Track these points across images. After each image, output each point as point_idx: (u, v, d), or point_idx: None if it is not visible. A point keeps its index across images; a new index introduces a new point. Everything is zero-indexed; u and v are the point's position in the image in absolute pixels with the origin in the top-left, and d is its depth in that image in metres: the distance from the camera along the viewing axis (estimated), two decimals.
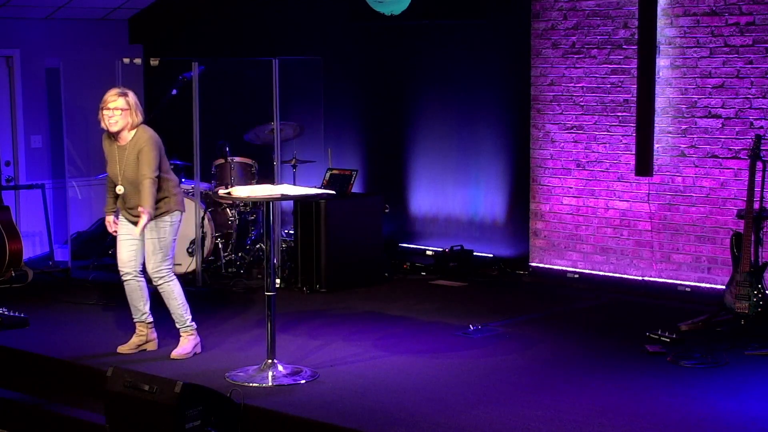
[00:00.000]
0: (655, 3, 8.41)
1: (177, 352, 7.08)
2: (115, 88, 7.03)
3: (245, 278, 9.40)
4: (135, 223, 6.96)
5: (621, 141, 8.82)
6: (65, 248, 10.12)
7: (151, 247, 7.02)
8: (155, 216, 6.95)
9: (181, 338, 7.17)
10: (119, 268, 7.15)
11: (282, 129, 9.46)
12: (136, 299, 7.18)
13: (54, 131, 10.64)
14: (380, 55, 10.28)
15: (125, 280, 7.14)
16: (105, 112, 6.95)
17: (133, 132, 6.99)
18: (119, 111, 6.92)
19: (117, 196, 7.11)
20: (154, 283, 7.08)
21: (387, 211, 9.53)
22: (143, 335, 7.24)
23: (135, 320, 7.25)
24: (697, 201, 8.48)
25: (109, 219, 7.20)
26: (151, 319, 7.25)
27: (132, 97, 7.00)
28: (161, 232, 7.01)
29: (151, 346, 7.27)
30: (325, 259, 8.96)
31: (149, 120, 10.45)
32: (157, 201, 6.95)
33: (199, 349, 7.17)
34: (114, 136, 7.02)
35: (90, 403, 6.54)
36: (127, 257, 7.09)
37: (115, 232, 7.16)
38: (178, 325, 7.16)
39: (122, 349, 7.19)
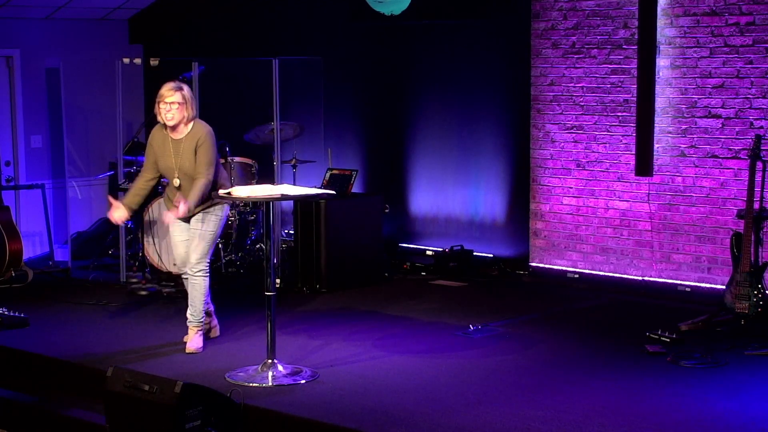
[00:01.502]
0: (655, 3, 8.41)
1: (193, 346, 7.16)
2: (171, 83, 7.10)
3: (245, 278, 9.41)
4: (184, 219, 7.09)
5: (621, 141, 8.82)
6: (65, 248, 10.12)
7: (197, 239, 7.11)
8: (205, 208, 7.07)
9: (191, 332, 7.22)
10: (179, 269, 7.29)
11: (282, 129, 9.46)
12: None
13: (54, 131, 10.64)
14: (380, 55, 10.28)
15: (185, 279, 7.26)
16: (162, 106, 7.03)
17: (189, 125, 7.10)
18: (176, 105, 7.00)
19: (146, 192, 7.23)
20: (190, 273, 7.15)
21: (387, 211, 9.53)
22: (206, 323, 7.36)
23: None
24: (697, 201, 8.48)
25: (117, 215, 7.14)
26: (212, 308, 7.39)
27: (187, 91, 7.08)
28: (209, 224, 7.12)
29: (214, 333, 7.46)
30: (325, 259, 8.96)
31: (149, 120, 10.50)
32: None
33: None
34: (168, 129, 7.09)
35: (90, 403, 6.54)
36: (185, 258, 7.20)
37: (117, 223, 7.29)
38: (191, 318, 7.22)
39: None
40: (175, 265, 9.39)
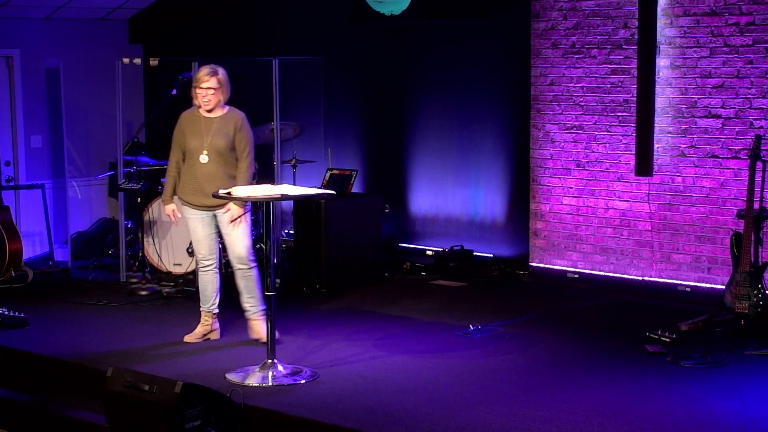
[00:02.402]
0: (655, 3, 8.41)
1: (261, 334, 7.15)
2: (207, 67, 7.14)
3: None
4: (213, 207, 7.09)
5: (621, 141, 8.82)
6: (65, 248, 10.12)
7: (241, 233, 7.13)
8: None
9: (256, 323, 7.27)
10: (201, 260, 7.28)
11: (282, 129, 9.46)
12: (211, 290, 7.33)
13: (54, 131, 10.64)
14: (380, 55, 10.28)
15: (206, 271, 7.29)
16: (198, 91, 7.11)
17: (225, 109, 7.21)
18: (212, 90, 7.08)
19: (177, 181, 7.23)
20: (243, 268, 7.15)
21: (387, 211, 9.53)
22: (208, 325, 7.38)
23: (203, 310, 7.38)
24: (697, 201, 8.48)
25: (170, 208, 7.29)
26: (217, 310, 7.40)
27: (222, 75, 7.14)
28: (246, 216, 7.16)
29: (215, 336, 7.44)
30: (325, 259, 8.96)
31: (149, 120, 10.51)
32: (229, 185, 7.02)
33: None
34: (202, 110, 7.17)
35: (90, 403, 6.54)
36: (209, 249, 7.23)
37: (176, 221, 7.34)
38: (252, 310, 7.25)
39: (189, 338, 7.34)
40: (177, 265, 9.42)
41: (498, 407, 6.00)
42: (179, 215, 7.36)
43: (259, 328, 7.25)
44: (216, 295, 7.36)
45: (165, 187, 7.43)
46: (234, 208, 7.10)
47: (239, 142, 7.15)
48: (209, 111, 7.16)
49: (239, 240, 7.14)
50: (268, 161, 9.51)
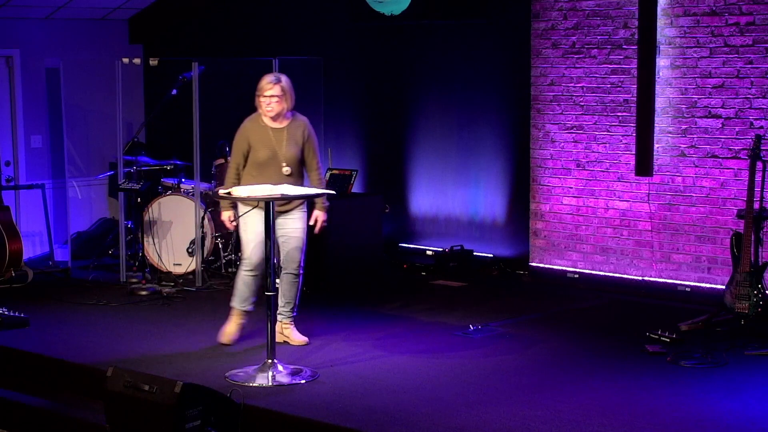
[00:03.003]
0: (655, 3, 8.42)
1: (302, 338, 7.24)
2: (270, 75, 7.07)
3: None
4: (286, 212, 7.05)
5: (621, 141, 8.82)
6: (65, 248, 10.12)
7: (298, 237, 7.12)
8: (301, 205, 7.11)
9: (290, 329, 7.26)
10: (249, 267, 7.15)
11: None
12: (252, 292, 7.24)
13: (54, 131, 10.64)
14: (380, 55, 10.28)
15: (253, 276, 7.18)
16: (262, 99, 7.03)
17: (290, 116, 7.11)
18: (275, 98, 6.99)
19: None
20: (293, 273, 7.15)
21: (387, 211, 9.53)
22: (241, 322, 7.31)
23: (240, 308, 7.27)
24: (697, 201, 8.48)
25: (228, 215, 7.16)
26: (252, 309, 7.34)
27: (285, 82, 7.05)
28: (305, 222, 7.16)
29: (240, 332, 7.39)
30: (325, 259, 8.95)
31: (149, 120, 10.51)
32: None
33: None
34: (267, 119, 7.08)
35: (90, 403, 6.54)
36: (260, 256, 7.08)
37: (231, 227, 7.26)
38: (286, 315, 7.22)
39: (228, 338, 7.27)
40: (177, 265, 9.41)
41: (498, 407, 6.00)
42: (232, 225, 7.22)
43: (287, 331, 7.26)
44: (254, 296, 7.27)
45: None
46: (321, 213, 7.14)
47: (309, 151, 7.10)
48: (273, 119, 7.05)
49: (298, 246, 7.11)
50: None
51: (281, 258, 7.23)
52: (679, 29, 8.43)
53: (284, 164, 7.02)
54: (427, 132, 10.03)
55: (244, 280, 7.21)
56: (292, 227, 7.12)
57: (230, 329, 7.31)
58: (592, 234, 9.04)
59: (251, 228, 7.09)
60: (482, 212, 9.79)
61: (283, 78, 7.06)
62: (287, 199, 6.91)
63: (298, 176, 7.13)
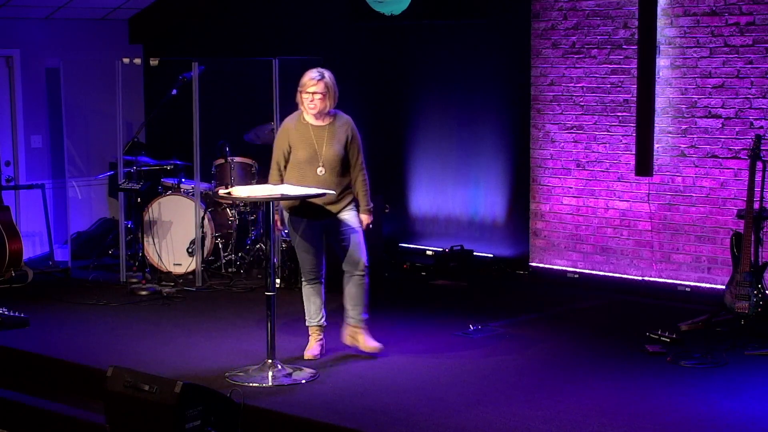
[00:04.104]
0: (655, 3, 8.41)
1: (375, 344, 6.97)
2: (313, 71, 6.77)
3: (245, 278, 9.42)
4: (336, 214, 6.82)
5: (621, 141, 8.82)
6: (65, 248, 10.12)
7: (361, 239, 6.86)
8: (349, 204, 6.89)
9: (355, 331, 6.99)
10: (309, 273, 6.93)
11: None
12: (320, 303, 7.01)
13: (54, 131, 10.64)
14: (380, 55, 10.28)
15: (313, 285, 6.97)
16: (304, 96, 6.76)
17: (333, 113, 6.87)
18: (319, 95, 6.72)
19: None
20: (359, 275, 6.88)
21: (387, 211, 9.53)
22: (321, 338, 7.05)
23: (313, 324, 7.02)
24: (697, 201, 8.48)
25: (278, 220, 6.96)
26: (326, 323, 7.08)
27: (329, 79, 6.78)
28: (359, 221, 6.92)
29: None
30: (325, 259, 8.93)
31: (149, 120, 10.51)
32: (347, 190, 6.88)
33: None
34: (308, 117, 6.83)
35: (90, 403, 6.54)
36: (318, 262, 6.92)
37: (282, 231, 7.02)
38: (357, 318, 6.96)
39: (313, 355, 6.97)
40: (177, 265, 9.41)
41: (498, 407, 6.00)
42: (282, 228, 7.05)
43: (359, 337, 6.96)
44: (324, 307, 7.04)
45: None
46: (366, 217, 6.93)
47: (353, 151, 6.86)
48: (316, 117, 6.82)
49: (359, 246, 6.85)
50: (268, 161, 9.48)
51: (343, 262, 6.94)
52: (679, 29, 8.43)
53: (320, 165, 6.77)
54: (427, 132, 10.03)
55: (306, 292, 7.00)
56: (347, 229, 6.87)
57: (311, 346, 7.01)
58: (592, 234, 9.04)
59: (301, 240, 6.90)
60: (482, 212, 9.79)
61: (327, 74, 6.78)
62: (286, 200, 6.85)
63: (341, 176, 6.84)
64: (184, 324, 7.92)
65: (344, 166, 6.87)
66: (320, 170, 6.78)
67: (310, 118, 6.83)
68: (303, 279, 7.03)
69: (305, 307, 7.05)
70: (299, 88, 6.80)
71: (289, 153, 6.86)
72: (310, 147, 6.79)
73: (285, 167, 6.90)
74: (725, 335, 7.34)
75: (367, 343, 6.98)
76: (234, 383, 6.41)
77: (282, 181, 6.87)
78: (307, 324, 7.07)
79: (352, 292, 6.93)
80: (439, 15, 9.49)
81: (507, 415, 5.86)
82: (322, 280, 7.04)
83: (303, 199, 6.76)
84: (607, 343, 7.33)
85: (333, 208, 6.85)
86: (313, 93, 6.73)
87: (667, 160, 8.59)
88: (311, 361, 6.90)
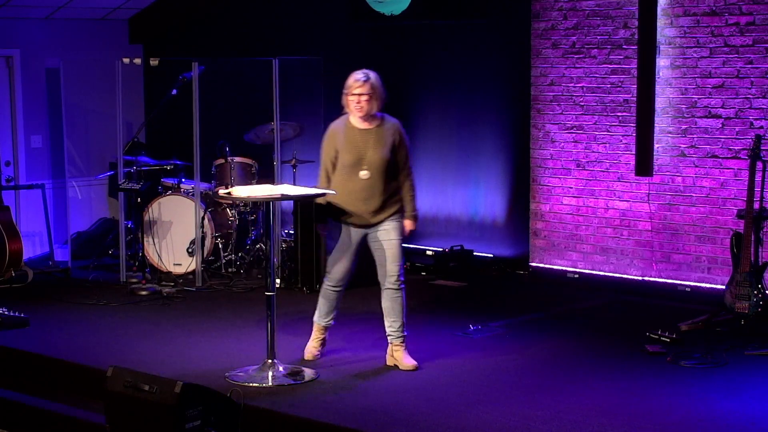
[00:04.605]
0: (655, 3, 8.41)
1: (412, 362, 6.78)
2: (359, 72, 6.62)
3: (245, 278, 9.42)
4: (369, 225, 6.70)
5: (621, 141, 8.82)
6: (65, 248, 10.12)
7: (394, 250, 6.70)
8: (395, 214, 6.75)
9: (401, 352, 6.80)
10: (331, 282, 6.84)
11: (282, 129, 9.46)
12: (334, 307, 6.94)
13: (54, 131, 10.64)
14: (380, 55, 10.27)
15: (335, 291, 6.87)
16: (350, 98, 6.61)
17: (379, 116, 6.72)
18: (365, 96, 6.57)
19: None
20: (392, 288, 6.71)
21: None
22: (324, 336, 7.02)
23: (320, 323, 6.97)
24: (697, 201, 8.48)
25: (322, 225, 6.88)
26: (333, 323, 7.04)
27: (375, 80, 6.63)
28: (400, 231, 6.76)
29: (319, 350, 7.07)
30: (325, 259, 8.93)
31: (149, 120, 10.51)
32: (394, 197, 6.76)
33: None
34: (354, 119, 6.68)
35: (90, 403, 6.54)
36: (347, 270, 6.80)
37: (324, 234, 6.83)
38: (395, 334, 6.79)
39: (310, 354, 6.95)
40: (177, 265, 9.41)
41: (498, 407, 6.00)
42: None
43: (397, 354, 6.79)
44: (336, 311, 6.96)
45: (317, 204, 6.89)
46: (410, 222, 6.81)
47: (401, 155, 6.70)
48: (362, 120, 6.67)
49: (395, 258, 6.70)
50: (268, 161, 9.51)
51: (378, 273, 6.79)
52: (679, 29, 8.43)
53: (365, 167, 6.61)
54: (427, 132, 10.03)
55: (327, 294, 6.90)
56: (386, 238, 6.72)
57: (312, 345, 6.99)
58: (592, 234, 9.04)
59: (339, 242, 6.81)
60: (482, 212, 9.79)
61: (372, 75, 6.63)
62: (286, 200, 6.82)
63: (388, 181, 6.69)
64: (184, 324, 7.92)
65: (391, 171, 6.71)
66: (364, 173, 6.63)
67: (356, 122, 6.68)
68: (327, 281, 6.89)
69: (318, 305, 6.97)
70: (344, 91, 6.64)
71: (337, 158, 6.72)
72: (357, 151, 6.65)
73: (333, 172, 6.76)
74: (725, 335, 7.34)
75: (405, 361, 6.77)
76: (234, 383, 6.41)
77: (329, 187, 6.74)
78: (314, 320, 7.01)
79: (387, 306, 6.77)
80: (439, 15, 9.49)
81: (507, 415, 5.86)
82: (344, 289, 6.92)
83: (348, 203, 6.66)
84: (607, 343, 7.33)
85: (378, 218, 6.71)
86: (359, 95, 6.58)
87: (667, 160, 8.59)
88: (311, 362, 6.89)
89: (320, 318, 7.00)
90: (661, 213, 8.67)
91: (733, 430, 5.66)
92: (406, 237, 6.86)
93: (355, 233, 6.77)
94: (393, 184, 6.75)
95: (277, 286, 8.78)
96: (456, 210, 9.94)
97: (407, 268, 9.72)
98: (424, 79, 10.03)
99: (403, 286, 6.77)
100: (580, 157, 9.05)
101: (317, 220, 6.93)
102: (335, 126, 6.78)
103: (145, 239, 9.35)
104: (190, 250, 9.43)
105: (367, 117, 6.66)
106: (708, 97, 8.35)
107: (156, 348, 7.28)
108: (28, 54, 10.49)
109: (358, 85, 6.59)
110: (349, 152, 6.67)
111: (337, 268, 6.84)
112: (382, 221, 6.73)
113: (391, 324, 6.78)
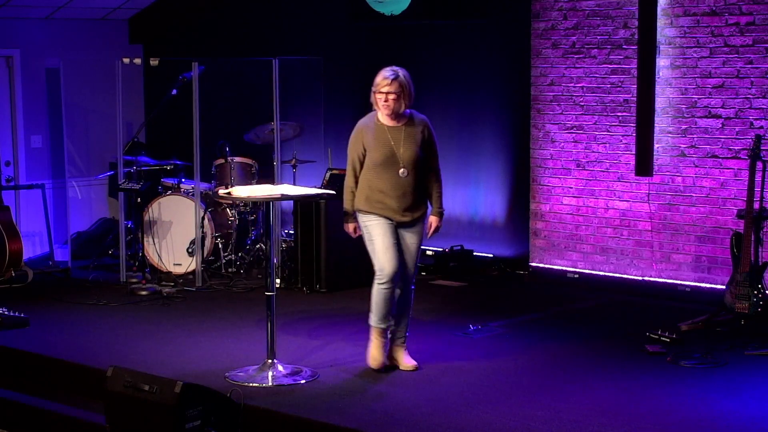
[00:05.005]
0: (655, 3, 8.42)
1: (410, 363, 6.73)
2: (387, 70, 6.52)
3: (245, 278, 9.42)
4: (408, 224, 6.60)
5: (621, 141, 8.82)
6: (65, 248, 10.12)
7: (415, 251, 6.64)
8: (422, 216, 6.66)
9: (402, 351, 6.75)
10: (384, 279, 6.51)
11: (282, 129, 9.46)
12: (391, 307, 6.63)
13: (54, 131, 10.64)
14: (380, 55, 10.25)
15: (390, 289, 6.55)
16: (378, 96, 6.52)
17: (408, 114, 6.62)
18: (393, 95, 6.47)
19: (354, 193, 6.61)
20: (405, 288, 6.66)
21: None
22: (385, 341, 6.71)
23: (379, 326, 6.63)
24: (697, 201, 8.48)
25: (353, 226, 6.74)
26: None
27: (404, 77, 6.52)
28: (423, 234, 6.70)
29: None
30: (325, 259, 8.95)
31: (149, 120, 10.51)
32: (423, 195, 6.67)
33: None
34: (383, 117, 6.58)
35: (90, 403, 6.54)
36: (394, 265, 6.52)
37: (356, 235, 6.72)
38: (399, 333, 6.72)
39: (376, 363, 6.65)
40: (177, 265, 9.41)
41: (498, 407, 6.00)
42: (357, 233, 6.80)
43: (398, 354, 6.72)
44: (393, 310, 6.66)
45: (345, 203, 6.71)
46: (436, 219, 6.74)
47: (431, 152, 6.63)
48: (391, 118, 6.56)
49: (412, 259, 6.64)
50: (268, 161, 9.51)
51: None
52: (679, 29, 8.43)
53: (402, 166, 6.52)
54: None
55: (382, 294, 6.55)
56: (411, 241, 6.64)
57: (375, 353, 6.67)
58: (592, 234, 9.04)
59: (378, 236, 6.56)
60: (482, 212, 9.79)
61: (401, 72, 6.52)
62: (286, 200, 6.82)
63: (420, 178, 6.62)
64: (184, 324, 7.92)
65: (422, 168, 6.63)
66: (403, 171, 6.53)
67: (384, 119, 6.59)
68: (381, 280, 6.55)
69: (375, 308, 6.62)
70: (373, 89, 6.55)
71: (364, 155, 6.62)
72: (387, 148, 6.54)
73: (360, 171, 6.67)
74: (725, 335, 7.34)
75: (405, 361, 6.72)
76: (234, 383, 6.41)
77: (356, 186, 6.66)
78: (372, 324, 6.66)
79: (397, 307, 6.67)
80: (439, 15, 9.49)
81: (507, 415, 5.86)
82: (396, 284, 6.60)
83: (379, 200, 6.55)
84: (607, 343, 7.33)
85: (407, 217, 6.60)
86: (387, 93, 6.48)
87: (667, 160, 8.59)
88: (377, 370, 6.63)
89: (377, 321, 6.65)
90: (661, 213, 8.67)
91: (733, 430, 5.66)
92: (429, 237, 6.77)
93: (392, 227, 6.60)
94: (423, 181, 6.68)
95: (277, 286, 8.78)
96: (456, 210, 9.93)
97: None
98: (424, 79, 9.99)
99: (413, 287, 6.75)
100: (580, 157, 9.05)
101: (347, 220, 6.79)
102: (363, 123, 6.70)
103: (145, 239, 9.35)
104: (190, 250, 9.44)
105: (396, 114, 6.56)
106: (708, 97, 8.35)
107: (156, 348, 7.28)
108: (28, 54, 10.49)
109: (386, 83, 6.48)
110: (378, 150, 6.57)
111: (390, 265, 6.52)
112: (410, 222, 6.63)
113: (397, 327, 6.73)
